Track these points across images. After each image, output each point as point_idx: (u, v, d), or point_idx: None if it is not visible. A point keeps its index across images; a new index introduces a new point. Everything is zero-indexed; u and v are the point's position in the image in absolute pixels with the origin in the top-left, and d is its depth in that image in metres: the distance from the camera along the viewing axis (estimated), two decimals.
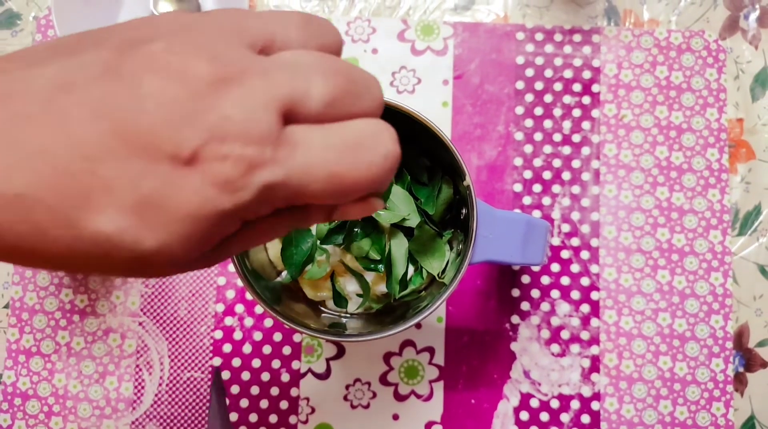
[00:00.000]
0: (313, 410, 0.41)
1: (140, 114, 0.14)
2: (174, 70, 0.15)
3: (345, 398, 0.41)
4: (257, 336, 0.41)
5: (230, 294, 0.42)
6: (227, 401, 0.40)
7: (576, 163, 0.43)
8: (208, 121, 0.14)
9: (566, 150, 0.43)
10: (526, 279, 0.42)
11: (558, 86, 0.43)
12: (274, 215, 0.17)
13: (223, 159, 0.14)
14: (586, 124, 0.43)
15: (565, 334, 0.41)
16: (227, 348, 0.41)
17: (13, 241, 0.14)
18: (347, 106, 0.16)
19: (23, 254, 0.15)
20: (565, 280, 0.42)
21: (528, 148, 0.43)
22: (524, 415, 0.40)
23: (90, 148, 0.14)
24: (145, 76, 0.14)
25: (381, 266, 0.35)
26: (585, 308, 0.41)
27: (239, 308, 0.41)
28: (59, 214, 0.14)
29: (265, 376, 0.41)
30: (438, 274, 0.34)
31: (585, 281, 0.42)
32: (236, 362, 0.41)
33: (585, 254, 0.42)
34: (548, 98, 0.43)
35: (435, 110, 0.43)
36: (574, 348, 0.41)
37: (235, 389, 0.41)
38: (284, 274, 0.36)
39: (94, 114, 0.14)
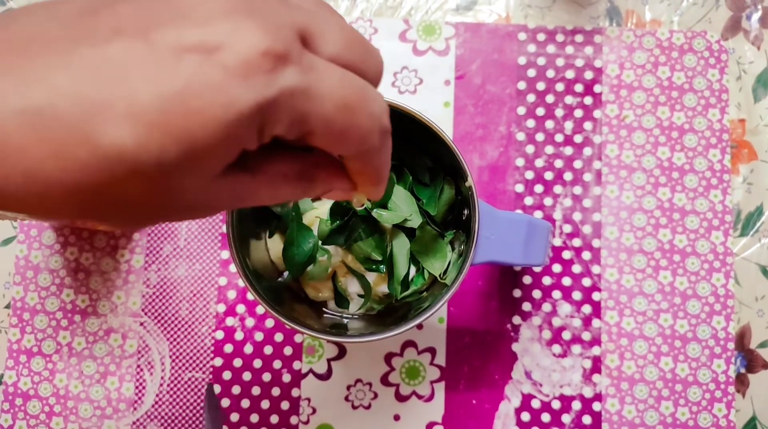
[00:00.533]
0: (314, 411, 0.41)
1: (169, 17, 0.14)
2: None
3: (346, 399, 0.41)
4: (258, 336, 0.41)
5: (231, 294, 0.42)
6: (221, 417, 0.40)
7: (578, 164, 0.43)
8: (235, 18, 0.14)
9: (568, 150, 0.43)
10: (527, 279, 0.42)
11: (560, 86, 0.43)
12: (282, 173, 0.18)
13: (251, 47, 0.14)
14: (588, 125, 0.43)
15: (566, 335, 0.41)
16: (228, 348, 0.41)
17: (32, 166, 0.14)
18: (357, 60, 0.17)
19: (44, 186, 0.14)
20: (566, 281, 0.42)
21: (530, 149, 0.43)
22: (525, 416, 0.40)
23: (113, 56, 0.14)
24: None
25: (382, 267, 0.35)
26: (586, 309, 0.41)
27: (240, 308, 0.41)
28: (80, 131, 0.13)
29: (267, 377, 0.41)
30: (440, 275, 0.34)
31: (586, 282, 0.41)
32: (237, 362, 0.41)
33: (587, 255, 0.42)
34: (550, 99, 0.43)
35: (436, 110, 0.43)
36: (576, 349, 0.41)
37: (236, 390, 0.41)
38: (286, 274, 0.36)
39: (121, 29, 0.14)
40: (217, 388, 0.40)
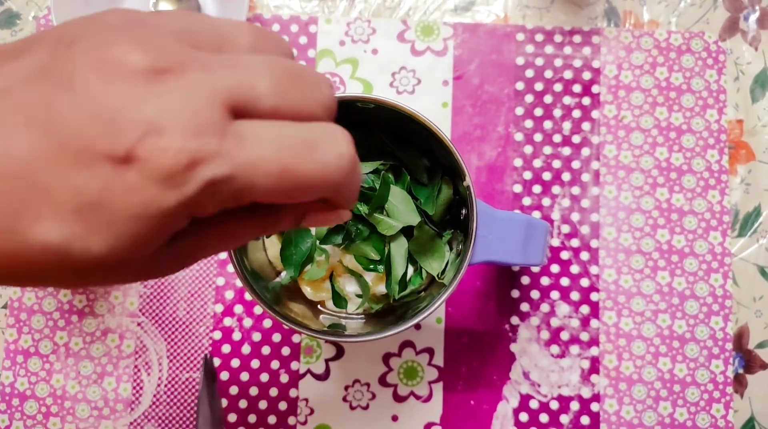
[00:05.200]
0: (312, 411, 0.40)
1: (73, 114, 0.14)
2: (108, 64, 0.14)
3: (344, 399, 0.41)
4: (256, 337, 0.41)
5: (229, 294, 0.41)
6: (217, 389, 0.40)
7: (576, 164, 0.43)
8: (144, 114, 0.14)
9: (566, 151, 0.43)
10: (525, 280, 0.42)
11: (558, 87, 0.43)
12: (238, 218, 0.17)
13: (163, 152, 0.14)
14: (586, 125, 0.43)
15: (564, 336, 0.41)
16: (226, 348, 0.41)
17: None
18: (297, 106, 0.16)
19: None
20: (564, 281, 0.41)
21: (528, 149, 0.43)
22: (524, 417, 0.40)
23: (25, 154, 0.14)
24: (77, 74, 0.14)
25: (380, 267, 0.35)
26: (585, 309, 0.41)
27: (238, 309, 0.41)
28: (2, 226, 0.14)
29: (264, 377, 0.41)
30: (437, 275, 0.34)
31: (585, 282, 0.41)
32: (235, 363, 0.41)
33: (585, 255, 0.42)
34: (548, 99, 0.43)
35: (435, 111, 0.43)
36: (574, 349, 0.41)
37: (234, 390, 0.41)
38: (283, 274, 0.36)
39: (28, 119, 0.14)
40: (216, 361, 0.40)
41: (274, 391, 0.41)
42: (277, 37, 0.18)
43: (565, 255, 0.42)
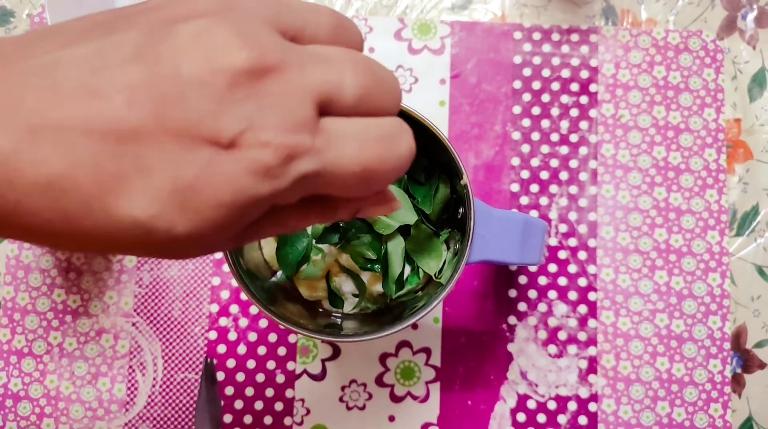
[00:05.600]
0: (308, 411, 0.40)
1: (181, 100, 0.14)
2: (213, 55, 0.14)
3: (340, 399, 0.40)
4: (252, 337, 0.41)
5: (225, 294, 0.41)
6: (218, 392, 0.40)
7: (573, 163, 0.42)
8: (249, 109, 0.14)
9: (564, 150, 0.43)
10: (523, 279, 0.41)
11: (555, 86, 0.43)
12: (304, 206, 0.18)
13: (263, 146, 0.14)
14: (583, 124, 0.43)
15: (562, 335, 0.41)
16: (222, 349, 0.41)
17: (40, 225, 0.14)
18: (375, 101, 0.17)
19: (49, 238, 0.15)
20: (562, 281, 0.41)
21: (525, 148, 0.43)
22: (521, 417, 0.40)
23: (128, 131, 0.14)
24: (183, 61, 0.14)
25: (377, 266, 0.35)
26: (582, 309, 0.41)
27: (234, 309, 0.41)
28: (92, 201, 0.14)
29: (260, 377, 0.40)
30: (435, 274, 0.34)
31: (582, 282, 0.41)
32: (231, 363, 0.41)
33: (582, 255, 0.42)
34: (546, 98, 0.43)
35: (432, 109, 0.43)
36: (572, 349, 0.41)
37: (229, 390, 0.40)
38: (279, 274, 0.36)
39: (132, 98, 0.14)
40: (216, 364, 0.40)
41: (270, 392, 0.40)
42: (350, 22, 0.18)
43: (562, 254, 0.42)
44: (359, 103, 0.16)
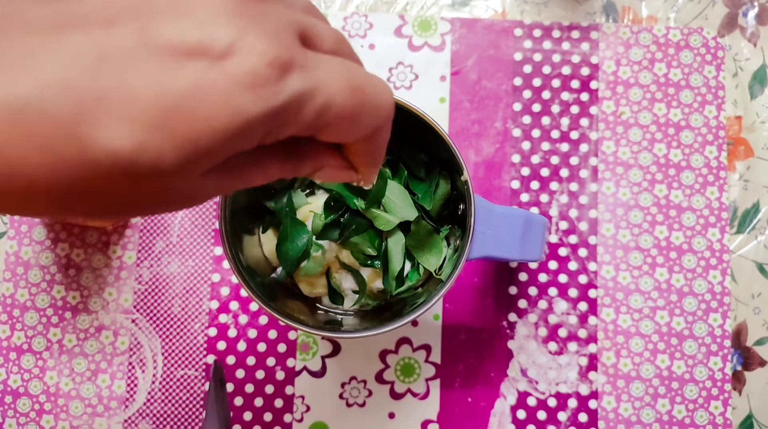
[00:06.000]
0: (308, 408, 0.40)
1: (169, 16, 0.13)
2: None
3: (340, 396, 0.40)
4: (252, 333, 0.41)
5: (225, 291, 0.41)
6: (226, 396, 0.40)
7: (574, 160, 0.42)
8: (239, 23, 0.14)
9: (564, 147, 0.42)
10: (523, 276, 0.41)
11: (556, 83, 0.43)
12: (272, 153, 0.17)
13: (260, 55, 0.14)
14: (584, 121, 0.43)
15: (562, 332, 0.41)
16: (221, 345, 0.41)
17: (15, 162, 0.13)
18: (347, 53, 0.17)
19: (26, 182, 0.13)
20: (562, 278, 0.41)
21: (526, 145, 0.43)
22: (521, 414, 0.40)
23: (109, 47, 0.13)
24: None
25: (377, 262, 0.35)
26: (583, 306, 0.41)
27: (234, 305, 0.41)
28: (71, 128, 0.12)
29: (260, 374, 0.40)
30: (435, 271, 0.34)
31: (583, 279, 0.41)
32: (231, 360, 0.40)
33: (583, 252, 0.41)
34: (546, 95, 0.43)
35: (432, 106, 0.43)
36: (572, 346, 0.41)
37: (229, 387, 0.40)
38: (279, 270, 0.36)
39: (113, 17, 0.13)
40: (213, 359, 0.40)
41: (270, 389, 0.40)
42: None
43: (563, 251, 0.42)
44: (335, 48, 0.17)
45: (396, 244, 0.34)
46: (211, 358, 0.40)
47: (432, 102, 0.43)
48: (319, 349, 0.41)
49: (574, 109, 0.43)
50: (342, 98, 0.16)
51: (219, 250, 0.41)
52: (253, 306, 0.41)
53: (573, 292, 0.41)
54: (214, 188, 0.16)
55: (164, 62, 0.13)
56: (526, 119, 0.43)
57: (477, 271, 0.41)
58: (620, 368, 0.40)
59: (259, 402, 0.40)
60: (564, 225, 0.42)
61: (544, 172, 0.42)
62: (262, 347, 0.41)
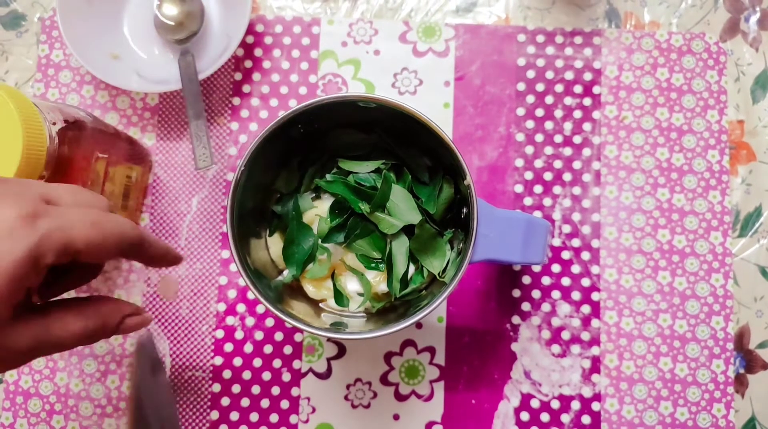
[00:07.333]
0: (314, 410, 0.41)
1: None
2: None
3: (346, 398, 0.41)
4: (258, 335, 0.41)
5: (232, 293, 0.42)
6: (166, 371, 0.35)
7: (577, 165, 0.43)
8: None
9: (567, 151, 0.43)
10: (526, 279, 0.42)
11: (559, 88, 0.43)
12: (68, 302, 0.25)
13: (10, 215, 0.21)
14: (587, 126, 0.43)
15: (565, 335, 0.41)
16: (228, 347, 0.41)
17: None
18: (91, 200, 0.25)
19: None
20: (565, 281, 0.42)
21: (529, 149, 0.43)
22: (525, 416, 0.40)
23: None
24: None
25: (382, 265, 0.35)
26: (586, 309, 0.41)
27: (241, 308, 0.42)
28: None
29: (266, 376, 0.41)
30: (439, 273, 0.35)
31: (586, 282, 0.42)
32: (237, 361, 0.41)
33: (586, 255, 0.42)
34: (549, 100, 0.43)
35: (436, 111, 0.43)
36: (575, 349, 0.41)
37: (236, 388, 0.41)
38: (286, 273, 0.36)
39: None
40: (219, 360, 0.40)
41: (276, 390, 0.41)
42: (92, 196, 0.26)
43: (566, 255, 0.42)
44: (74, 203, 0.24)
45: (400, 247, 0.34)
46: (218, 360, 0.41)
47: (436, 107, 0.43)
48: (325, 351, 0.41)
49: (577, 114, 0.43)
50: (84, 231, 0.22)
51: (226, 254, 0.42)
52: (260, 308, 0.42)
53: (576, 295, 0.41)
54: (23, 341, 0.22)
55: None
56: (530, 124, 0.43)
57: (480, 274, 0.42)
58: (623, 371, 0.41)
59: (265, 403, 0.41)
60: (567, 228, 0.42)
61: (547, 176, 0.43)
62: (268, 349, 0.41)
